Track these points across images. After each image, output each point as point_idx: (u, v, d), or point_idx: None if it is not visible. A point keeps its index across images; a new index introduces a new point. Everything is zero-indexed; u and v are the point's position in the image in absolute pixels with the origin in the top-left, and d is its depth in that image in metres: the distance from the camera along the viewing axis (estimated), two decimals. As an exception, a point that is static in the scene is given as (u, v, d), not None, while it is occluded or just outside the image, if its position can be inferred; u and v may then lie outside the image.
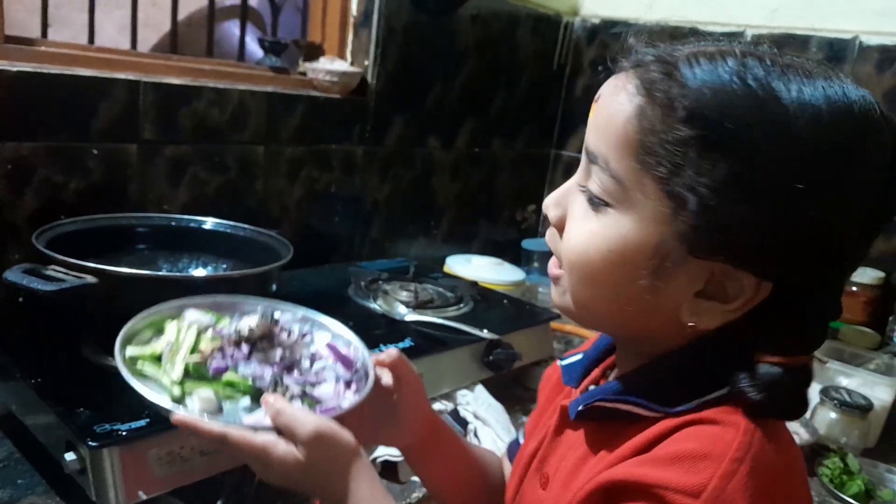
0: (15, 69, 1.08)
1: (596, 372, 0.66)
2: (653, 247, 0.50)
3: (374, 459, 1.02)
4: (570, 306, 0.58)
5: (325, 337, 0.76)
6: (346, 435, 0.62)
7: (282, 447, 0.60)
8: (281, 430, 0.61)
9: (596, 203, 0.53)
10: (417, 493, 1.00)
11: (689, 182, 0.47)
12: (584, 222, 0.54)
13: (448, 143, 1.87)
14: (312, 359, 0.73)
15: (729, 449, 0.48)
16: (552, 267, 0.59)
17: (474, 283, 1.50)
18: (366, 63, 1.59)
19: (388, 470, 1.02)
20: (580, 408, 0.59)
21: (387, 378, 0.73)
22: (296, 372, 0.71)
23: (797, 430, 1.25)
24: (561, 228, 0.57)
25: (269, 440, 0.60)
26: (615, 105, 0.51)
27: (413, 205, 1.84)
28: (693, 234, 0.48)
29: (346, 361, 0.73)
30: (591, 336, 0.70)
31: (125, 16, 1.87)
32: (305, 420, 0.60)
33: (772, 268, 0.48)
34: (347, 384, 0.71)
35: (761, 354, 0.51)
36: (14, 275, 0.83)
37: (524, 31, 1.97)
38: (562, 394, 0.69)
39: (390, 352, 0.73)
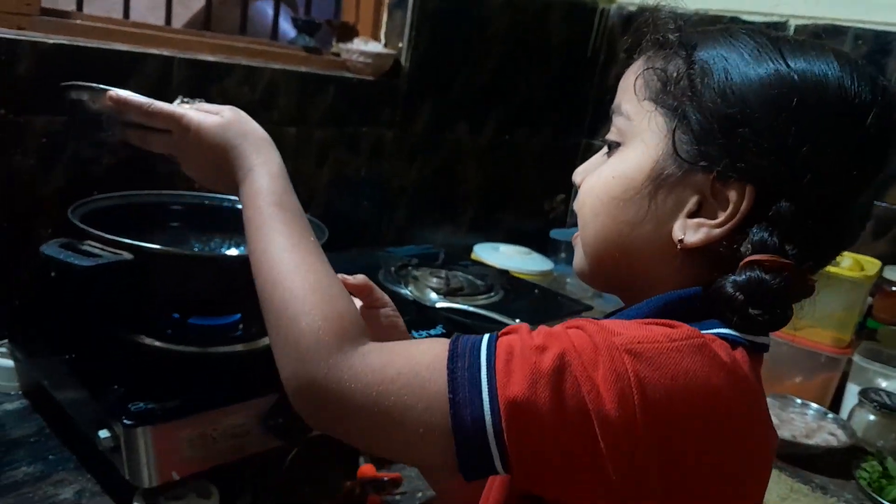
0: (51, 41, 1.07)
1: None
2: (651, 165, 0.54)
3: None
4: (584, 265, 0.61)
5: None
6: None
7: (202, 113, 0.68)
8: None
9: (611, 147, 0.58)
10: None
11: (679, 97, 0.53)
12: (598, 169, 0.59)
13: (477, 130, 1.84)
14: None
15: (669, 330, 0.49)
16: (574, 236, 0.62)
17: (504, 272, 1.48)
18: (399, 45, 1.57)
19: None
20: None
21: (357, 303, 0.70)
22: None
23: (834, 432, 1.22)
24: None
25: (191, 110, 0.69)
26: (632, 67, 0.59)
27: (440, 191, 1.81)
28: (684, 146, 0.53)
29: None
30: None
31: (152, -3, 1.86)
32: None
33: (750, 170, 0.51)
34: None
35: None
36: (51, 249, 0.82)
37: (558, 17, 1.93)
38: None
39: (357, 277, 0.71)
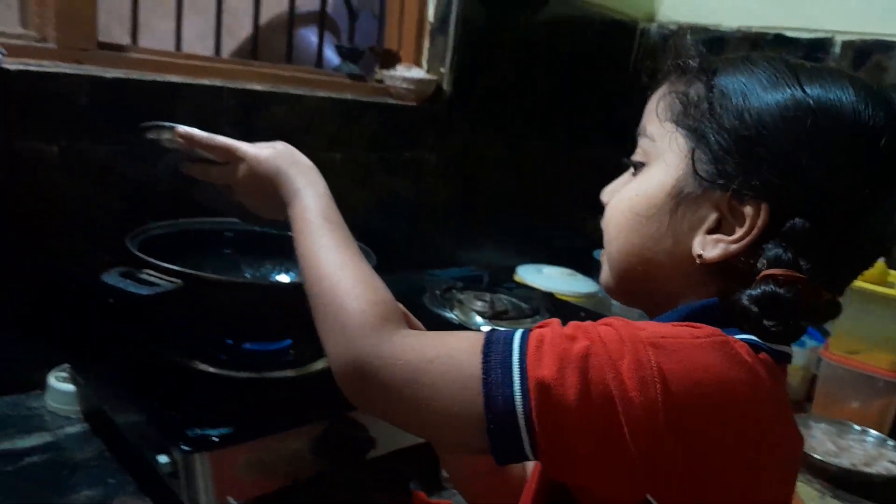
0: (108, 75, 1.11)
1: None
2: (672, 183, 0.57)
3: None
4: (610, 280, 0.64)
5: None
6: None
7: (255, 146, 0.75)
8: None
9: (636, 167, 0.61)
10: None
11: (699, 119, 0.56)
12: (624, 187, 0.62)
13: (519, 150, 1.85)
14: None
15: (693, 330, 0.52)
16: (602, 252, 0.65)
17: (549, 294, 1.48)
18: (441, 70, 1.59)
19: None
20: None
21: None
22: None
23: (895, 460, 1.19)
24: None
25: (245, 143, 0.76)
26: (657, 91, 0.62)
27: (482, 212, 1.82)
28: (703, 165, 0.55)
29: None
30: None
31: (202, 22, 1.92)
32: None
33: (765, 188, 0.53)
34: None
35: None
36: (111, 278, 0.85)
37: (598, 36, 1.94)
38: None
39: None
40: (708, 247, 0.56)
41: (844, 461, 1.16)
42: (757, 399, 0.51)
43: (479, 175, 1.77)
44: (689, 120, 0.57)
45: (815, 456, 1.17)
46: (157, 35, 1.88)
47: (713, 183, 0.55)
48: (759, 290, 0.52)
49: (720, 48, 1.86)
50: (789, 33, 1.80)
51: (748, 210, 0.54)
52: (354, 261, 0.62)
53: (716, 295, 0.56)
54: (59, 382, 1.08)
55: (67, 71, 1.07)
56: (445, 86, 1.59)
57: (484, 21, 1.62)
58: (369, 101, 1.47)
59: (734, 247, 0.55)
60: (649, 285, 0.61)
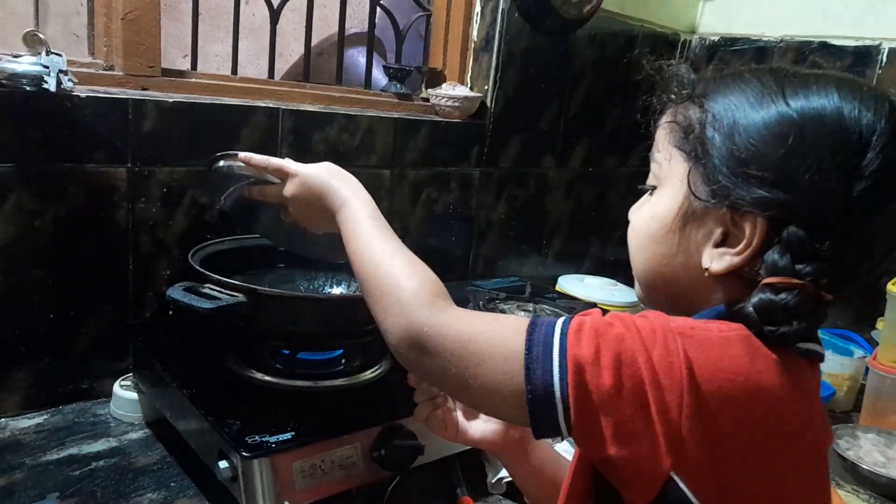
0: (171, 100, 1.17)
1: None
2: (678, 204, 0.61)
3: (501, 479, 1.03)
4: (639, 291, 0.69)
5: None
6: None
7: (304, 164, 0.83)
8: None
9: (650, 191, 0.66)
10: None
11: (694, 143, 0.60)
12: (639, 209, 0.67)
13: (562, 163, 1.87)
14: None
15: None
16: None
17: (591, 305, 1.49)
18: (485, 87, 1.62)
19: (513, 490, 1.03)
20: None
21: None
22: None
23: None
24: None
25: (294, 162, 0.84)
26: (662, 119, 0.66)
27: (526, 223, 1.85)
28: (699, 186, 0.59)
29: None
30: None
31: (251, 45, 1.99)
32: None
33: (758, 203, 0.56)
34: None
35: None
36: (176, 293, 0.90)
37: (641, 49, 1.95)
38: None
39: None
40: (714, 260, 0.59)
41: (893, 472, 1.15)
42: (780, 388, 0.54)
43: (524, 186, 1.80)
44: (687, 144, 0.61)
45: (863, 466, 1.16)
46: (208, 58, 1.96)
47: (709, 202, 0.59)
48: (757, 298, 0.56)
49: (762, 59, 1.85)
50: (834, 41, 1.78)
51: (747, 225, 0.57)
52: (403, 250, 0.69)
53: (726, 302, 0.59)
54: (124, 391, 1.14)
55: (133, 96, 1.13)
56: (489, 102, 1.63)
57: (527, 38, 1.65)
58: (417, 118, 1.51)
59: (737, 259, 0.58)
60: (672, 296, 0.65)
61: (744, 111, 0.58)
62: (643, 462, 0.53)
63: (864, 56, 1.75)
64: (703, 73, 0.65)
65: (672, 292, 0.64)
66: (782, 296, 0.55)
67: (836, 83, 0.57)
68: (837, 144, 0.55)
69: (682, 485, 0.52)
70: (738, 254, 0.58)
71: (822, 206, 0.55)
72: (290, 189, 0.84)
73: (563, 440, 1.01)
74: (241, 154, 0.88)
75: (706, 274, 0.60)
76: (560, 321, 0.56)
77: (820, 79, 0.58)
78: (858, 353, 1.53)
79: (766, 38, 1.92)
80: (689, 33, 2.08)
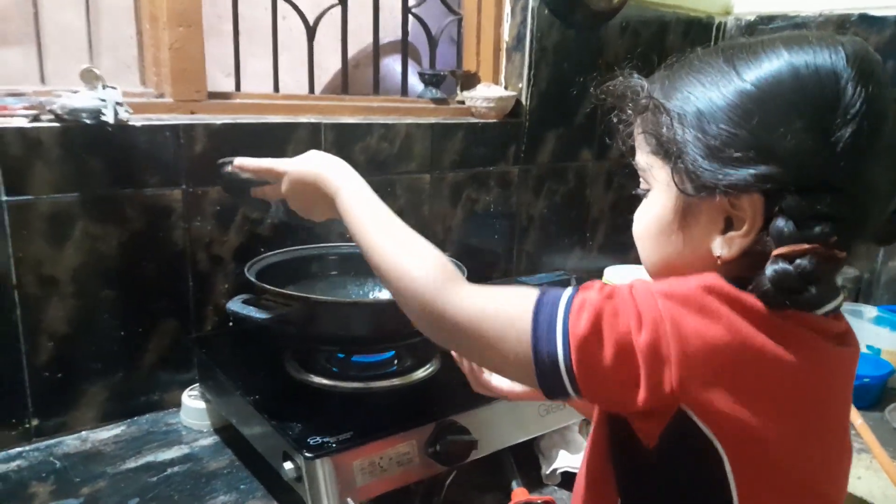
0: (218, 122, 1.23)
1: None
2: (672, 203, 0.63)
3: (555, 470, 1.06)
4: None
5: None
6: None
7: (289, 159, 0.86)
8: None
9: (643, 195, 0.67)
10: None
11: (668, 144, 0.61)
12: (639, 211, 0.68)
13: (601, 155, 1.88)
14: None
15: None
16: None
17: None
18: (519, 86, 1.65)
19: (568, 481, 1.05)
20: None
21: None
22: None
23: None
24: None
25: (280, 160, 0.88)
26: (635, 127, 0.67)
27: (568, 217, 1.86)
28: (685, 183, 0.60)
29: None
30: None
31: (288, 58, 2.04)
32: None
33: (745, 182, 0.56)
34: None
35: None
36: (236, 305, 0.95)
37: (675, 35, 1.94)
38: None
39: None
40: (725, 247, 0.60)
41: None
42: (773, 345, 0.56)
43: (564, 181, 1.81)
44: (662, 149, 0.62)
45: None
46: (248, 74, 2.02)
47: (701, 195, 0.59)
48: (770, 271, 0.56)
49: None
50: (874, 12, 1.75)
51: (745, 203, 0.58)
52: (402, 234, 0.72)
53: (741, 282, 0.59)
54: (192, 400, 1.20)
55: (183, 122, 1.20)
56: (524, 100, 1.65)
57: (558, 33, 1.67)
58: (453, 122, 1.54)
59: (745, 240, 0.59)
60: None
61: (704, 100, 0.59)
62: (644, 416, 0.58)
63: (906, 25, 1.71)
64: (653, 77, 0.66)
65: None
66: (798, 262, 0.55)
67: (784, 43, 0.57)
68: (803, 102, 0.55)
69: (694, 418, 0.56)
70: (745, 235, 0.59)
71: (808, 167, 0.55)
72: (284, 187, 0.87)
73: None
74: (236, 161, 0.93)
75: (719, 262, 0.61)
76: (563, 301, 0.59)
77: (767, 45, 0.58)
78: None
79: (804, 14, 1.88)
80: (724, 15, 2.06)
